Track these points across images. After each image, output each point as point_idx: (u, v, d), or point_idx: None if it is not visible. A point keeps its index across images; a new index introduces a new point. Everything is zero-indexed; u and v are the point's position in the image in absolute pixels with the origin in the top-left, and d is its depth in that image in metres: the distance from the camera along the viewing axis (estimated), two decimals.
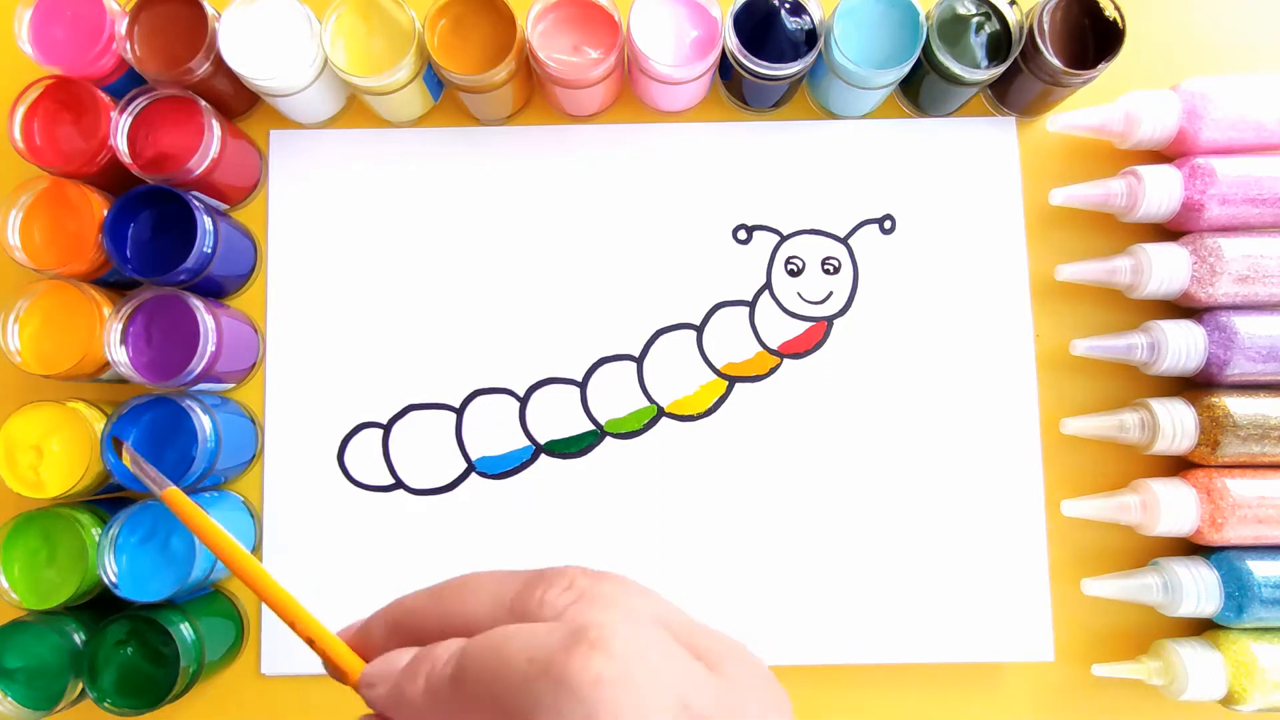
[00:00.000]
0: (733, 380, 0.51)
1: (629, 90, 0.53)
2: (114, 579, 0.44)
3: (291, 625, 0.26)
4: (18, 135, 0.46)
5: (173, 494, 0.29)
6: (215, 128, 0.47)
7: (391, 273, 0.52)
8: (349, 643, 0.26)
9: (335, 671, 0.26)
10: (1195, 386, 0.49)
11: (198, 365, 0.45)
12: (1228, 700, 0.46)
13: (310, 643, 0.26)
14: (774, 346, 0.51)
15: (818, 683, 0.50)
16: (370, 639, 0.26)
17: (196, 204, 0.46)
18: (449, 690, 0.22)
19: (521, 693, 0.21)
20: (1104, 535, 0.50)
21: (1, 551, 0.44)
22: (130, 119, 0.47)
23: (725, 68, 0.50)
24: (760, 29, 0.47)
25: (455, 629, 0.24)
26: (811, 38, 0.47)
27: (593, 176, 0.52)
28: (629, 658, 0.21)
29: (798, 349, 0.51)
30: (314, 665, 0.26)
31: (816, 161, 0.52)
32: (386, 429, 0.51)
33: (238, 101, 0.51)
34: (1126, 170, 0.49)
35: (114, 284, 0.50)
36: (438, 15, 0.47)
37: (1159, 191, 0.48)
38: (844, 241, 0.52)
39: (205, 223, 0.46)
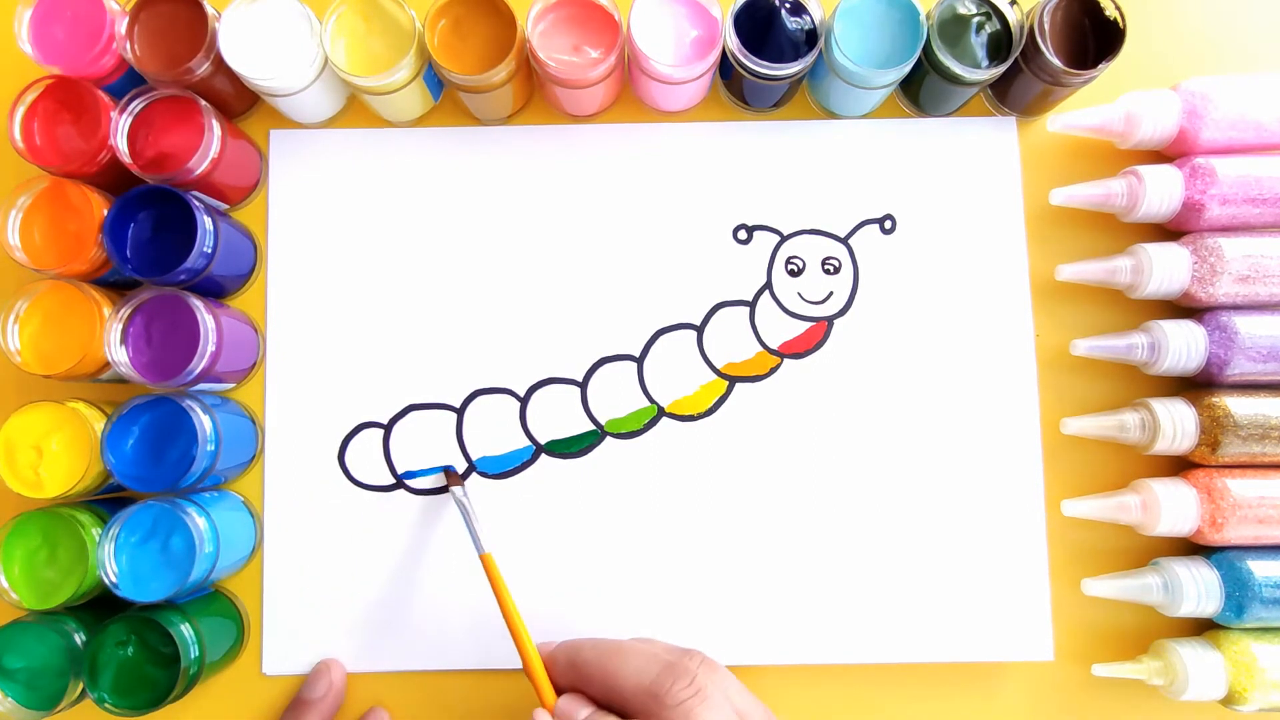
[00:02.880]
0: (733, 380, 0.51)
1: (629, 90, 0.53)
2: (114, 579, 0.44)
3: (523, 658, 0.42)
4: (18, 135, 0.46)
5: (487, 558, 0.45)
6: (215, 128, 0.47)
7: (392, 273, 0.52)
8: (542, 655, 0.42)
9: (538, 693, 0.41)
10: (1195, 386, 0.49)
11: (198, 365, 0.45)
12: (1228, 700, 0.46)
13: (528, 671, 0.42)
14: (774, 346, 0.51)
15: (818, 683, 0.50)
16: (554, 664, 0.41)
17: (196, 204, 0.46)
18: None
19: None
20: (1104, 535, 0.50)
21: (1, 551, 0.44)
22: (130, 119, 0.47)
23: (725, 68, 0.50)
24: (760, 29, 0.47)
25: (611, 687, 0.38)
26: (812, 38, 0.47)
27: (593, 176, 0.52)
28: None
29: (798, 349, 0.51)
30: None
31: (816, 161, 0.52)
32: (387, 429, 0.51)
33: (238, 101, 0.51)
34: (1127, 170, 0.49)
35: (114, 284, 0.50)
36: (438, 15, 0.47)
37: (1159, 191, 0.48)
38: (844, 241, 0.52)
39: (205, 223, 0.46)
